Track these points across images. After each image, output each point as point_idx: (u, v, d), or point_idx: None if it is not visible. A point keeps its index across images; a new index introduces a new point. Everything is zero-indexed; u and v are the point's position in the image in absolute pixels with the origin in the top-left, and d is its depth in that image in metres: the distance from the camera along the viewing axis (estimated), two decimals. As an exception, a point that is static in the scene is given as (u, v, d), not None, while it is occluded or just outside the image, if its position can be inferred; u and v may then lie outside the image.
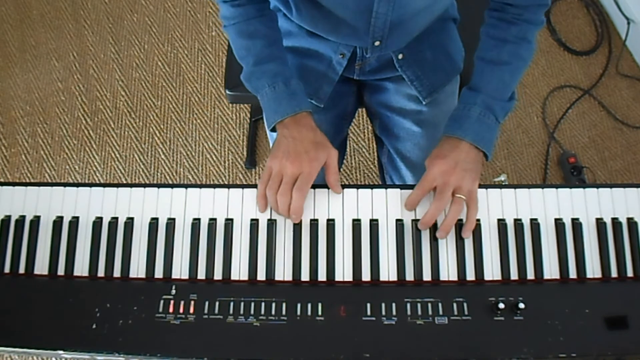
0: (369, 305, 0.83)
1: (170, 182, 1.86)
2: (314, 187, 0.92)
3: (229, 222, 0.89)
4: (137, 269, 0.88)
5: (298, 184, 0.88)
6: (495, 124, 0.95)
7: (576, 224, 0.89)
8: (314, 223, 0.89)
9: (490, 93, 0.96)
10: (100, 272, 0.88)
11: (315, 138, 0.93)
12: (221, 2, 1.00)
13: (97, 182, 1.86)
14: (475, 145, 0.92)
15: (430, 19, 1.05)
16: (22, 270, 0.88)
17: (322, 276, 0.86)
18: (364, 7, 0.94)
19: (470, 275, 0.86)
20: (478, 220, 0.89)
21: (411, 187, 0.92)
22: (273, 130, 0.97)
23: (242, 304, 0.83)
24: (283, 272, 0.87)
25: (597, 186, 0.92)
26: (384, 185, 0.92)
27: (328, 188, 0.92)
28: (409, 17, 0.99)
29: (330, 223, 0.89)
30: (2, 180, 1.88)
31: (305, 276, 0.87)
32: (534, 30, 0.99)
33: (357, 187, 0.92)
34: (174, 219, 0.90)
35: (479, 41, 1.02)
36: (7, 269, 0.88)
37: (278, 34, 1.04)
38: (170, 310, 0.83)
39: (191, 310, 0.83)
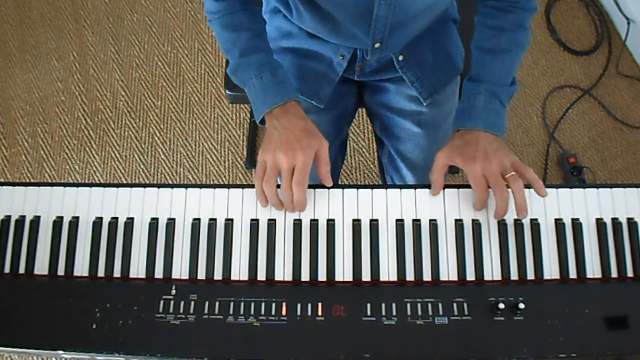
0: (369, 305, 0.83)
1: (170, 182, 1.86)
2: (314, 187, 0.92)
3: (229, 222, 0.89)
4: (137, 269, 0.88)
5: (296, 177, 0.87)
6: (502, 108, 0.96)
7: (576, 224, 0.89)
8: (314, 223, 0.89)
9: (493, 81, 0.96)
10: (100, 272, 0.88)
11: (305, 126, 0.92)
12: None
13: (97, 182, 1.86)
14: (487, 131, 0.93)
15: (430, 20, 1.05)
16: (22, 270, 0.88)
17: (322, 276, 0.86)
18: (364, 9, 0.94)
19: (470, 275, 0.86)
20: (478, 220, 0.89)
21: (412, 187, 0.92)
22: (262, 122, 0.96)
23: (242, 304, 0.83)
24: (283, 272, 0.87)
25: (597, 186, 0.92)
26: (384, 185, 0.92)
27: (328, 188, 0.92)
28: (409, 19, 0.99)
29: (330, 223, 0.89)
30: (2, 180, 1.88)
31: (305, 276, 0.87)
32: (529, 17, 1.00)
33: (357, 187, 0.92)
34: (174, 219, 0.90)
35: (474, 31, 1.02)
36: (7, 269, 0.88)
37: (262, 27, 1.04)
38: (170, 310, 0.83)
39: (191, 310, 0.83)
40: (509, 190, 0.88)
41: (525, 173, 0.89)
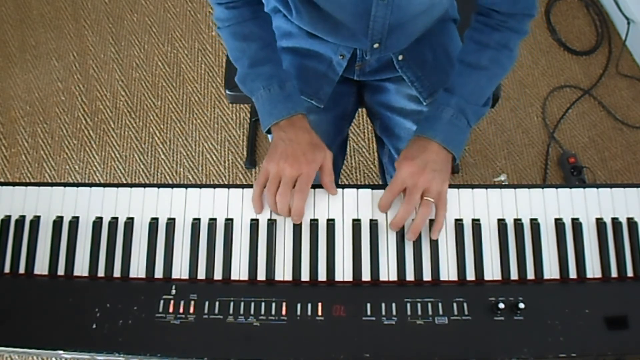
0: (369, 305, 0.83)
1: (170, 182, 1.86)
2: (313, 187, 0.92)
3: (229, 222, 0.89)
4: (137, 269, 0.88)
5: (298, 186, 0.88)
6: (466, 127, 0.95)
7: (576, 224, 0.89)
8: (314, 223, 0.89)
9: (465, 96, 0.95)
10: (100, 272, 0.88)
11: (311, 140, 0.93)
12: (215, 4, 0.99)
13: (97, 182, 1.86)
14: (444, 146, 0.92)
15: (429, 22, 1.05)
16: (22, 270, 0.88)
17: (322, 276, 0.86)
18: (362, 10, 0.94)
19: (470, 275, 0.86)
20: (478, 220, 0.89)
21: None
22: (268, 132, 0.97)
23: (242, 304, 0.83)
24: (283, 272, 0.87)
25: (597, 186, 0.92)
26: (384, 185, 0.92)
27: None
28: (408, 20, 0.99)
29: (330, 223, 0.89)
30: (2, 180, 1.88)
31: (305, 276, 0.87)
32: (517, 39, 0.99)
33: (357, 187, 0.92)
34: (174, 219, 0.90)
35: (463, 44, 1.02)
36: (7, 269, 0.88)
37: (272, 36, 1.04)
38: (170, 310, 0.83)
39: (191, 310, 0.83)
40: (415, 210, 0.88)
41: (440, 208, 0.88)
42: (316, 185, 0.92)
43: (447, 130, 0.93)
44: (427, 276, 0.86)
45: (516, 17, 0.97)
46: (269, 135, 1.05)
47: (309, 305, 0.83)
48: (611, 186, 0.92)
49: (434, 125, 0.94)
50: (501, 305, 0.81)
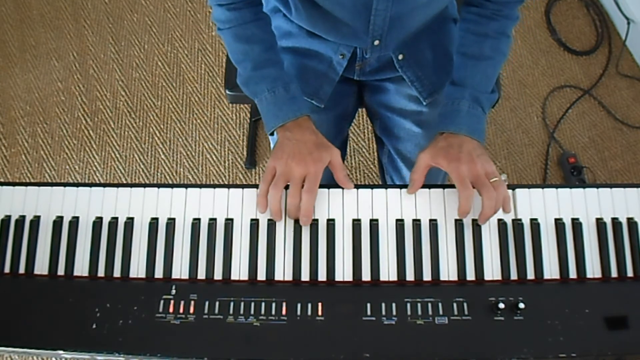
0: (369, 305, 0.83)
1: (170, 182, 1.86)
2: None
3: (229, 222, 0.89)
4: (137, 269, 0.88)
5: (307, 186, 0.88)
6: (482, 115, 0.97)
7: (576, 224, 0.89)
8: (314, 223, 0.89)
9: (475, 87, 0.97)
10: (100, 272, 0.88)
11: (317, 140, 0.93)
12: (215, 5, 0.99)
13: (97, 182, 1.86)
14: (470, 136, 0.94)
15: (428, 16, 1.05)
16: (22, 270, 0.88)
17: (322, 276, 0.86)
18: (361, 6, 0.95)
19: (470, 275, 0.86)
20: (478, 220, 0.89)
21: (411, 187, 0.92)
22: (272, 134, 0.97)
23: (242, 304, 0.83)
24: (283, 272, 0.87)
25: (597, 186, 0.92)
26: (384, 185, 0.92)
27: (328, 188, 0.92)
28: (408, 12, 0.99)
29: (330, 223, 0.89)
30: (2, 180, 1.88)
31: (305, 276, 0.87)
32: (512, 25, 1.02)
33: (357, 187, 0.92)
34: (174, 219, 0.90)
35: (458, 37, 1.03)
36: (7, 269, 0.88)
37: (274, 38, 1.04)
38: (170, 310, 0.83)
39: (191, 310, 0.83)
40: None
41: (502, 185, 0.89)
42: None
43: (468, 121, 0.95)
44: (427, 276, 0.86)
45: (509, 4, 1.00)
46: (270, 137, 1.05)
47: (309, 305, 0.83)
48: (611, 186, 0.92)
49: (455, 119, 0.95)
50: (501, 305, 0.81)
